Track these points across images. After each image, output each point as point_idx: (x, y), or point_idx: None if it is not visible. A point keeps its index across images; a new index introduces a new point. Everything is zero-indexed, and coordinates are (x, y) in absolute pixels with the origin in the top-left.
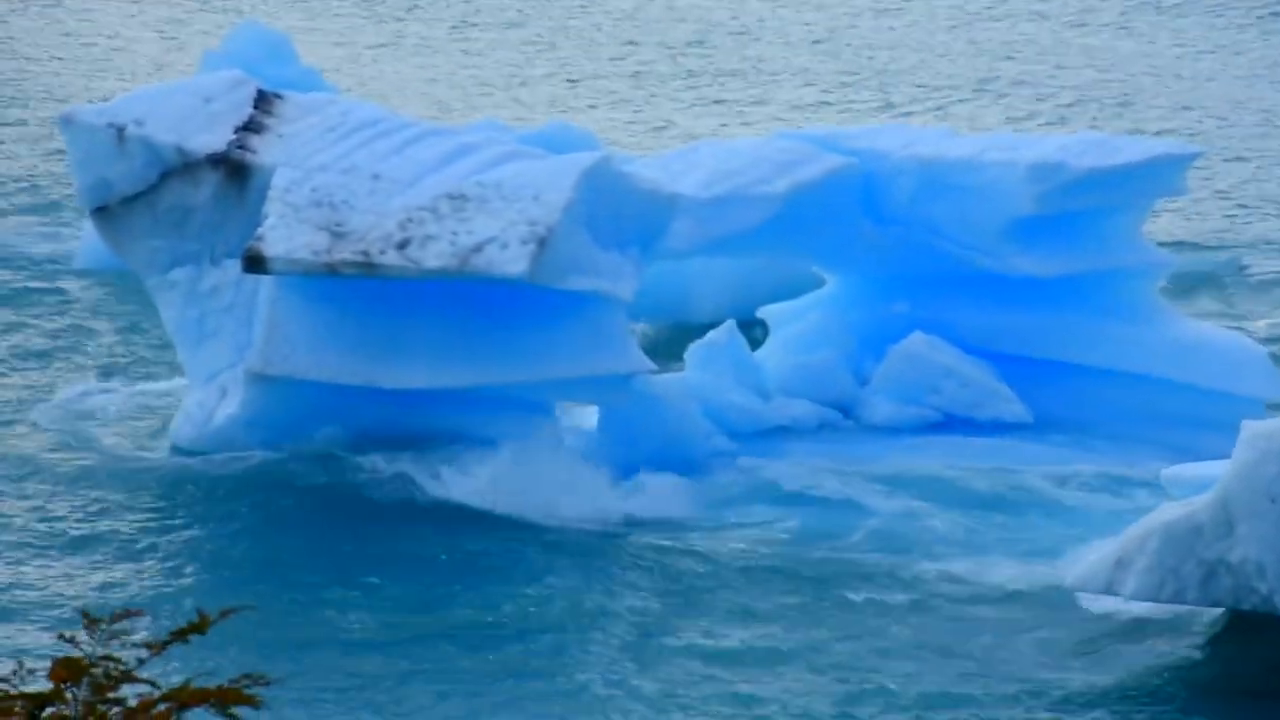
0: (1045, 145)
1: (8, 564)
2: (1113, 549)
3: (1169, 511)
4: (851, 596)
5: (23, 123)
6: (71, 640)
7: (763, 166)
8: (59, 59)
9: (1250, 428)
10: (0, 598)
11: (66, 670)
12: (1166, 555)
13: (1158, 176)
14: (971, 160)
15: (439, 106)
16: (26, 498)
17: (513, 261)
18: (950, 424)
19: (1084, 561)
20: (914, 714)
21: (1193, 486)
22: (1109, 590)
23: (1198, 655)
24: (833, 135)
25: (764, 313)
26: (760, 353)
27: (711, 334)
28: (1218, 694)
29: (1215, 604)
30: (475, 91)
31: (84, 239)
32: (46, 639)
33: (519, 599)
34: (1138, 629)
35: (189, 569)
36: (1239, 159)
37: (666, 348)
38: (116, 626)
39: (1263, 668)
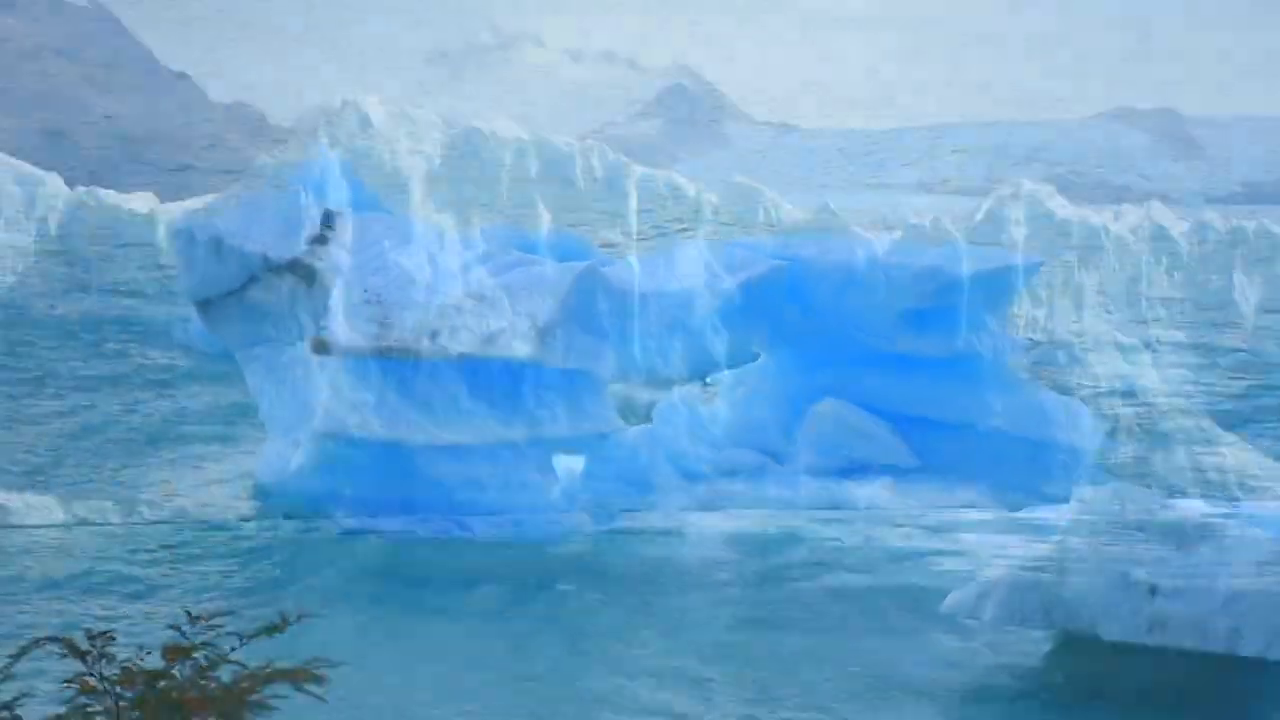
0: (929, 255)
1: (131, 588)
2: (977, 584)
3: (1018, 557)
4: (775, 608)
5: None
6: (179, 629)
7: (714, 267)
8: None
9: (1080, 492)
10: (127, 614)
11: (175, 652)
12: (1016, 590)
13: (1013, 280)
14: (873, 264)
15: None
16: (137, 546)
17: (520, 347)
18: (856, 468)
19: (955, 591)
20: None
21: (1038, 527)
22: (973, 615)
23: (1037, 664)
24: (770, 244)
25: (714, 379)
26: (712, 411)
27: (674, 392)
28: (1049, 690)
29: (1051, 627)
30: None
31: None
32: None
33: (526, 609)
34: (993, 644)
35: (269, 606)
36: None
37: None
38: (214, 622)
39: (1086, 675)
